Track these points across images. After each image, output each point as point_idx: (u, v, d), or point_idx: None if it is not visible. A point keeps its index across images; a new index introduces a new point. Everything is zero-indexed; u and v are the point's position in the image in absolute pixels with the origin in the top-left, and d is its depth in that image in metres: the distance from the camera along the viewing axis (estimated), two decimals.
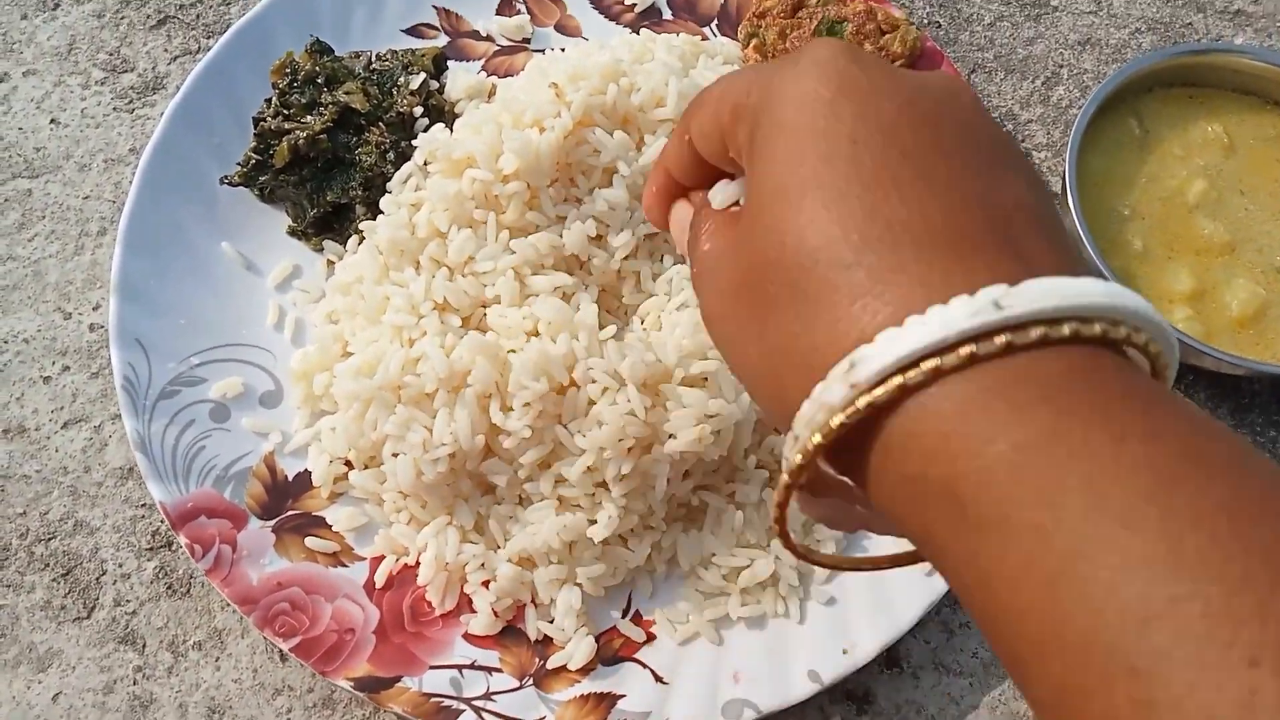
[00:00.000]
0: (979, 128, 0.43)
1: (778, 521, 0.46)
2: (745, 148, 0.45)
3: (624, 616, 0.90)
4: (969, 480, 0.36)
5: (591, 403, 0.87)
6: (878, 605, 0.88)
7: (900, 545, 0.48)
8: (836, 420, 0.39)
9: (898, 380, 0.37)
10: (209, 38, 1.11)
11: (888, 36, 1.06)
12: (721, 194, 0.51)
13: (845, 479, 0.43)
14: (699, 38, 1.09)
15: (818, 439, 0.39)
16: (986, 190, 0.41)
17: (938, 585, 0.88)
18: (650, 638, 0.89)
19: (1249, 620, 0.31)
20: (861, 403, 0.38)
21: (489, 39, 1.10)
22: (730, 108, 0.47)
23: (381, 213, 0.95)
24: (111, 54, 1.11)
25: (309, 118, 0.97)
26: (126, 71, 1.10)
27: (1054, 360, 0.37)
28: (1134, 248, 0.98)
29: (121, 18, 1.12)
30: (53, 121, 1.07)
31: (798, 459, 0.41)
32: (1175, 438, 0.35)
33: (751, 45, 1.08)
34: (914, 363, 0.37)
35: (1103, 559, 0.33)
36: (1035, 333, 0.37)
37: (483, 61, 1.09)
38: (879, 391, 0.38)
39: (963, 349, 0.36)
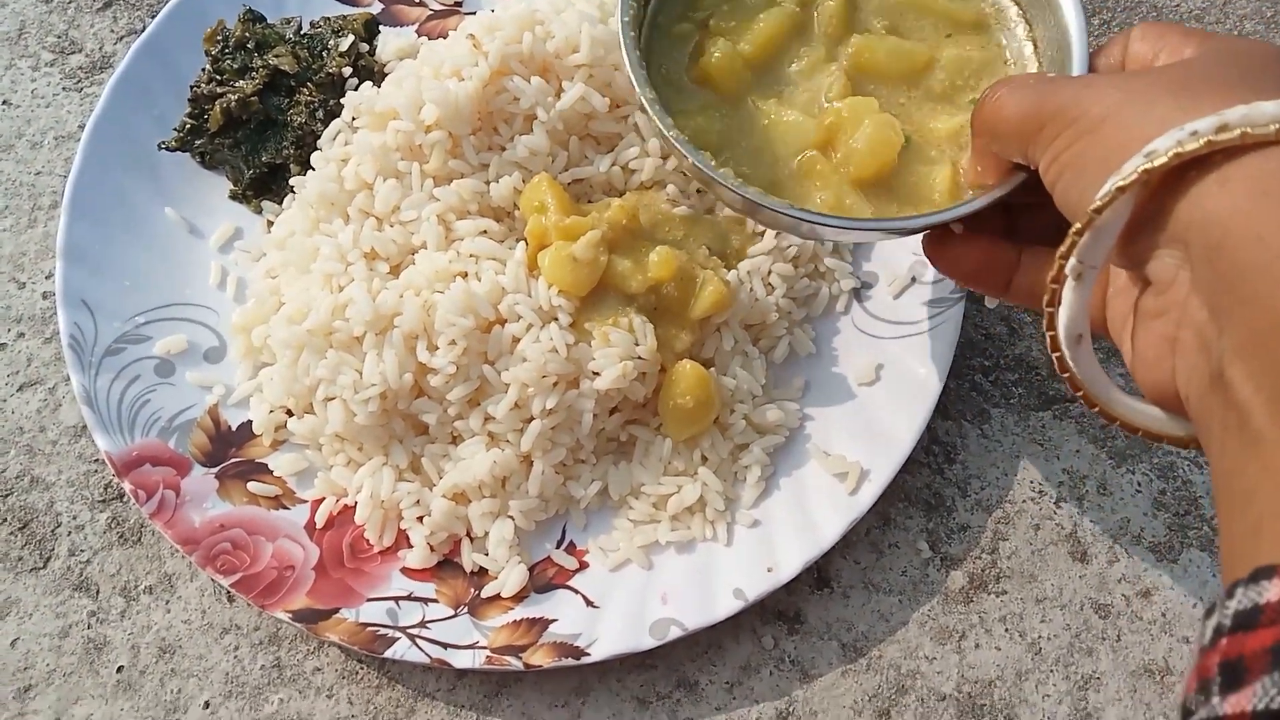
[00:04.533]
0: None
1: (1055, 283, 0.61)
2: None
3: (558, 547, 0.92)
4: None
5: (515, 340, 0.90)
6: (801, 526, 0.90)
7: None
8: (1197, 143, 0.53)
9: (1243, 130, 0.52)
10: (153, 17, 1.14)
11: None
12: None
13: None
14: None
15: (1184, 146, 0.53)
16: None
17: (860, 504, 0.90)
18: (583, 566, 0.91)
19: None
20: (1214, 135, 0.52)
21: (422, 4, 1.14)
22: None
23: (313, 169, 0.99)
24: (60, 37, 1.15)
25: (241, 82, 1.00)
26: (75, 53, 1.14)
27: None
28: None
29: (69, 2, 1.16)
30: (4, 103, 1.11)
31: (1141, 167, 0.55)
32: None
33: None
34: (1268, 124, 0.51)
35: None
36: None
37: (416, 26, 1.13)
38: (1228, 135, 0.52)
39: None
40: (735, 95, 0.84)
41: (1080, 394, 0.65)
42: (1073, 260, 0.60)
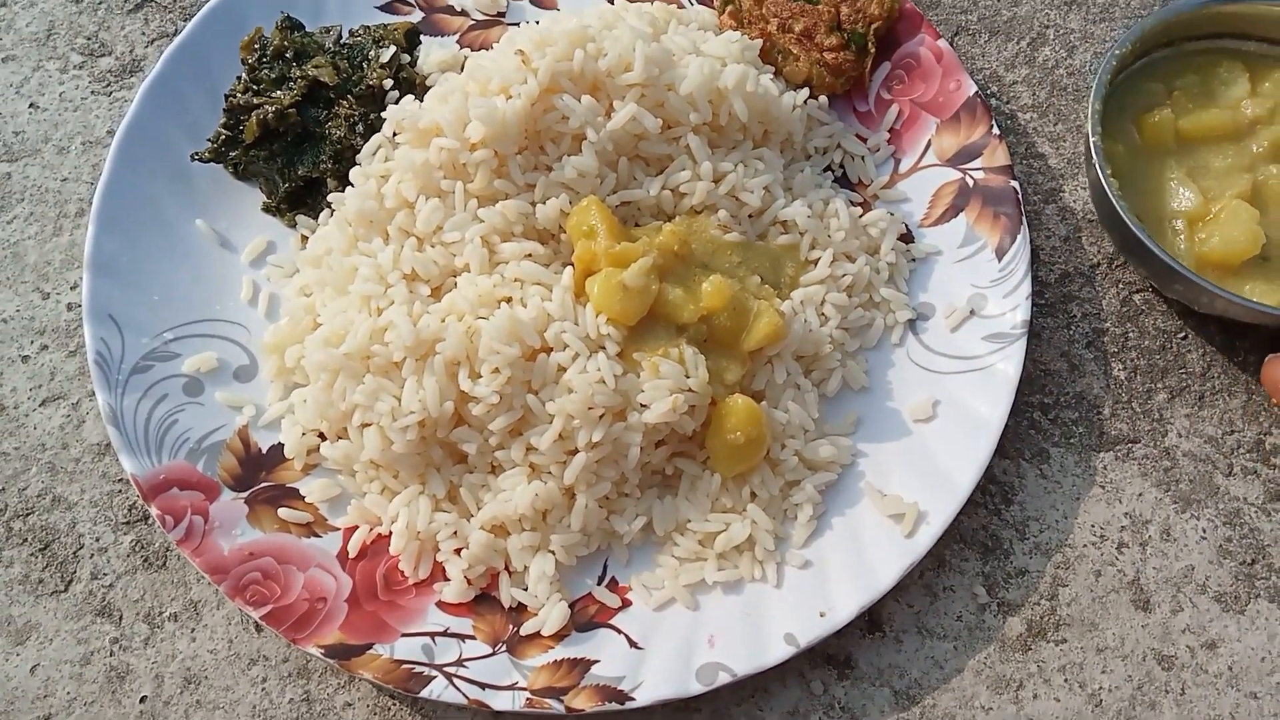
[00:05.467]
0: None
1: None
2: None
3: (600, 583, 0.89)
4: None
5: (561, 369, 0.87)
6: (855, 568, 0.87)
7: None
8: None
9: None
10: (186, 20, 1.11)
11: None
12: None
13: None
14: (673, 4, 1.08)
15: None
16: None
17: (917, 547, 0.86)
18: (626, 604, 0.88)
19: None
20: None
21: (464, 14, 1.10)
22: None
23: (351, 185, 0.95)
24: (89, 38, 1.11)
25: (278, 92, 0.97)
26: (104, 55, 1.11)
27: None
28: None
29: (100, 2, 1.13)
30: (31, 106, 1.08)
31: None
32: None
33: (727, 12, 1.07)
34: None
35: None
36: None
37: (458, 36, 1.09)
38: None
39: None
40: (1155, 150, 0.99)
41: None
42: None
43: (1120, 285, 1.03)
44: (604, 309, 0.86)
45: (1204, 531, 0.92)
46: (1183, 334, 1.01)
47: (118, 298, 0.93)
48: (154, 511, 0.86)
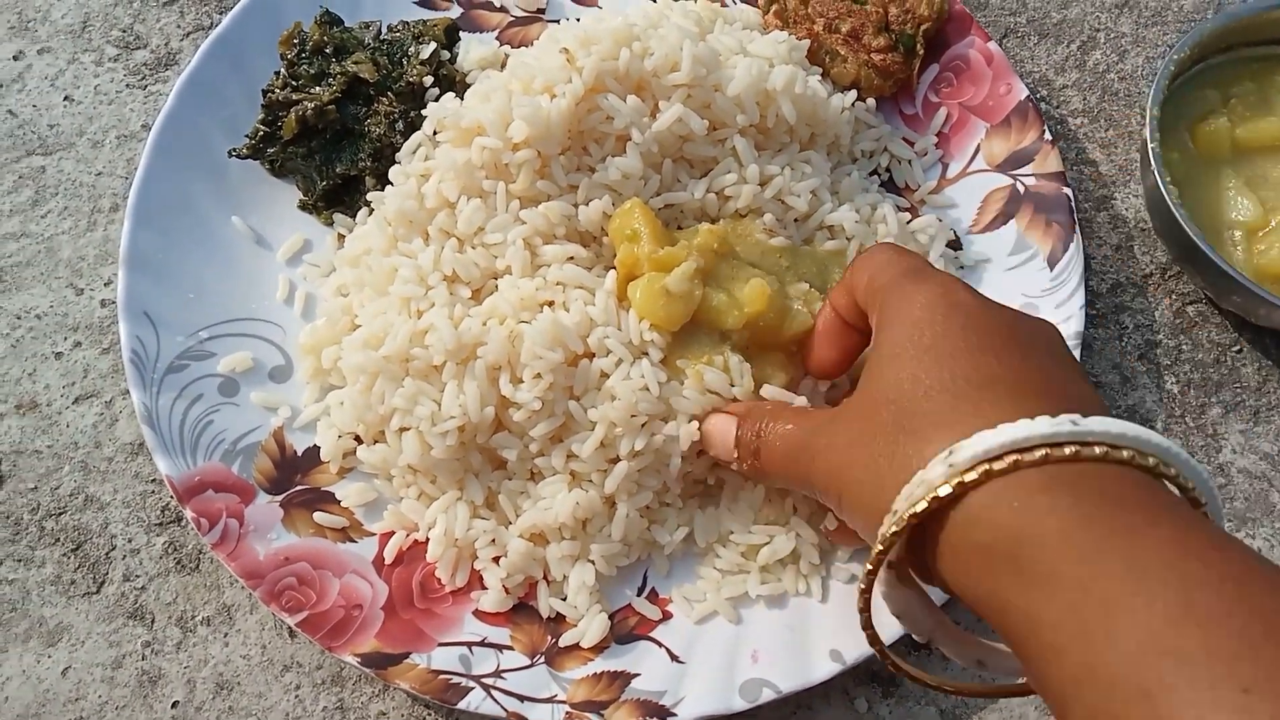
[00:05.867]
0: (1045, 334, 0.64)
1: (863, 610, 0.61)
2: (880, 313, 0.68)
3: (639, 595, 0.87)
4: (1030, 543, 0.49)
5: (604, 376, 0.85)
6: None
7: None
8: (933, 495, 0.52)
9: (985, 466, 0.51)
10: (222, 13, 1.10)
11: None
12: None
13: (918, 584, 0.62)
14: (717, 3, 1.06)
15: (917, 508, 0.53)
16: (1051, 367, 0.60)
17: None
18: (666, 616, 0.86)
19: (1243, 657, 0.40)
20: (953, 482, 0.52)
21: (503, 10, 1.08)
22: (870, 286, 0.71)
23: (390, 184, 0.94)
24: (125, 31, 1.10)
25: (317, 88, 0.95)
26: (140, 48, 1.09)
27: (1109, 471, 0.51)
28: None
29: None
30: (66, 99, 1.07)
31: (893, 529, 0.54)
32: (1199, 530, 0.48)
33: (773, 11, 1.05)
34: (999, 455, 0.51)
35: (1128, 605, 0.44)
36: (1099, 449, 0.51)
37: (497, 33, 1.07)
38: (971, 474, 0.52)
39: (1038, 450, 0.51)
40: (1211, 159, 0.98)
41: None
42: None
43: (1174, 296, 1.00)
44: (647, 314, 0.84)
45: (1259, 549, 0.90)
46: (1237, 347, 0.98)
47: (153, 295, 0.92)
48: (189, 514, 0.85)
